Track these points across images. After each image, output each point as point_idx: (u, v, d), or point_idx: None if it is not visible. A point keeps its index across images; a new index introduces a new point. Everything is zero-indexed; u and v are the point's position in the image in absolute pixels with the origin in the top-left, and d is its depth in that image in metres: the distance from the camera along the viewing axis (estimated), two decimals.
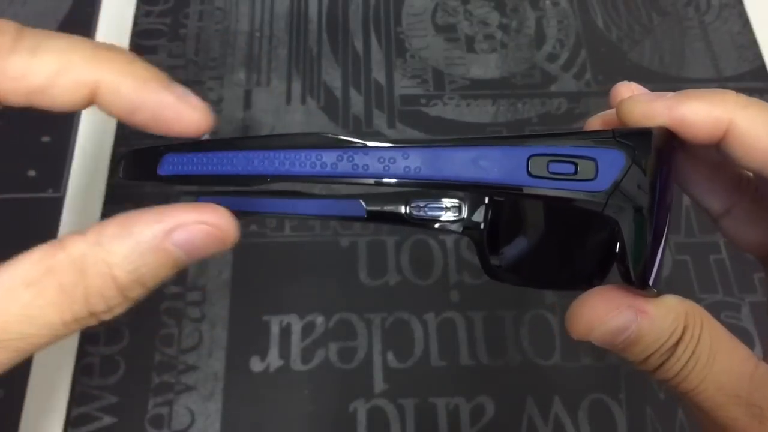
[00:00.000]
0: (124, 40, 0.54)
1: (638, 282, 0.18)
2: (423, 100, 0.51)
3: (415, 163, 0.18)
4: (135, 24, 0.54)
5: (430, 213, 0.24)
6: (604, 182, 0.18)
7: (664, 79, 0.52)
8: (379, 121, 0.50)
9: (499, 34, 0.55)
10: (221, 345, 0.42)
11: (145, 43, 0.54)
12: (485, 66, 0.53)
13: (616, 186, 0.18)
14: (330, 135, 0.18)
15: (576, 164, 0.18)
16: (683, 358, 0.18)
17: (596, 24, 0.55)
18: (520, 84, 0.52)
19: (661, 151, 0.18)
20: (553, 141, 0.18)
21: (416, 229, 0.24)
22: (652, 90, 0.21)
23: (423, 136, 0.50)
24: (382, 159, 0.17)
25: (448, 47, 0.54)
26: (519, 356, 0.42)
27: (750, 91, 0.52)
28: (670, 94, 0.19)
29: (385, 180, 0.18)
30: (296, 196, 0.24)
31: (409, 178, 0.18)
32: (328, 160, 0.18)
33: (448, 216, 0.24)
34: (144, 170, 0.19)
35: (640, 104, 0.19)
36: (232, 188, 0.22)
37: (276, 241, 0.45)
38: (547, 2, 0.56)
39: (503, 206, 0.23)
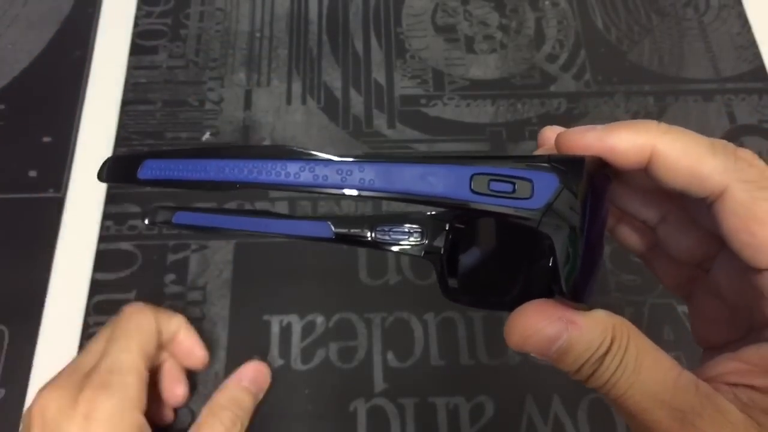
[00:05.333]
0: (124, 40, 0.54)
1: (569, 295, 0.20)
2: (423, 101, 0.51)
3: (369, 175, 0.19)
4: (135, 24, 0.55)
5: (393, 237, 0.26)
6: (539, 201, 0.19)
7: (663, 80, 0.52)
8: (379, 121, 0.50)
9: (498, 35, 0.55)
10: (222, 345, 0.42)
11: (145, 43, 0.54)
12: (485, 66, 0.53)
13: (550, 205, 0.19)
14: (295, 148, 0.20)
15: (514, 184, 0.19)
16: (611, 367, 0.20)
17: (596, 24, 0.55)
18: (519, 84, 0.53)
19: (593, 176, 0.20)
20: (494, 162, 0.20)
21: (380, 251, 0.26)
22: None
23: (423, 136, 0.50)
24: (341, 171, 0.19)
25: (448, 48, 0.54)
26: (518, 356, 0.42)
27: (749, 92, 0.52)
28: (601, 126, 0.21)
29: (343, 191, 0.19)
30: (268, 215, 0.25)
31: (364, 189, 0.19)
32: (291, 170, 0.19)
33: (410, 240, 0.26)
34: (125, 173, 0.21)
35: (575, 136, 0.21)
36: (206, 205, 0.23)
37: (276, 241, 0.45)
38: (547, 3, 0.57)
39: (461, 233, 0.25)
